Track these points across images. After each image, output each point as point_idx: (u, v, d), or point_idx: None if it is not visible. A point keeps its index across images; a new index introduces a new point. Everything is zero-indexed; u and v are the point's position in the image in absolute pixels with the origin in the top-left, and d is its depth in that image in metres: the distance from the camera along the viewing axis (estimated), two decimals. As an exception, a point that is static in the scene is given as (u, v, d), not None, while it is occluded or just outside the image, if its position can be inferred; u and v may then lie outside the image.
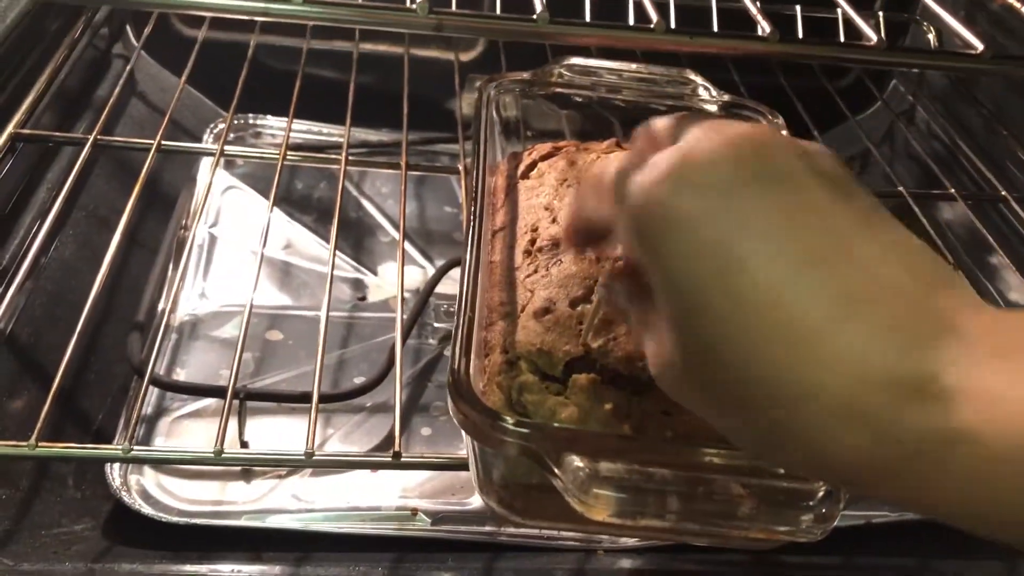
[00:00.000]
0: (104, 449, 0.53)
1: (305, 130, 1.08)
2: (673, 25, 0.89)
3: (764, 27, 0.39)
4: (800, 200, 0.31)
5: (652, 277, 0.32)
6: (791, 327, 0.29)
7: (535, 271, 0.53)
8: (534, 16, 0.38)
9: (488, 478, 0.46)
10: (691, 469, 0.40)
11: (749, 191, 0.31)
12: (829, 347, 0.29)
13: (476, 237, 0.53)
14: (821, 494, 0.40)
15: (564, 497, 0.41)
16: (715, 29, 0.93)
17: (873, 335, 0.28)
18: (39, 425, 0.52)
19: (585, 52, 0.67)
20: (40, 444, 0.52)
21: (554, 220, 0.56)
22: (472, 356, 0.46)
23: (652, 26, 0.38)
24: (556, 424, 0.44)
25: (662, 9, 0.92)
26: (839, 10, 1.03)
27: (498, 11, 0.93)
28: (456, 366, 0.44)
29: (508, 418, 0.41)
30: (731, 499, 0.40)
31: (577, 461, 0.39)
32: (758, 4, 0.41)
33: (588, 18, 0.90)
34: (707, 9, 0.96)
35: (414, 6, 0.37)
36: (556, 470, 0.40)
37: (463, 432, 0.43)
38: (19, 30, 0.71)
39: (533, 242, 0.55)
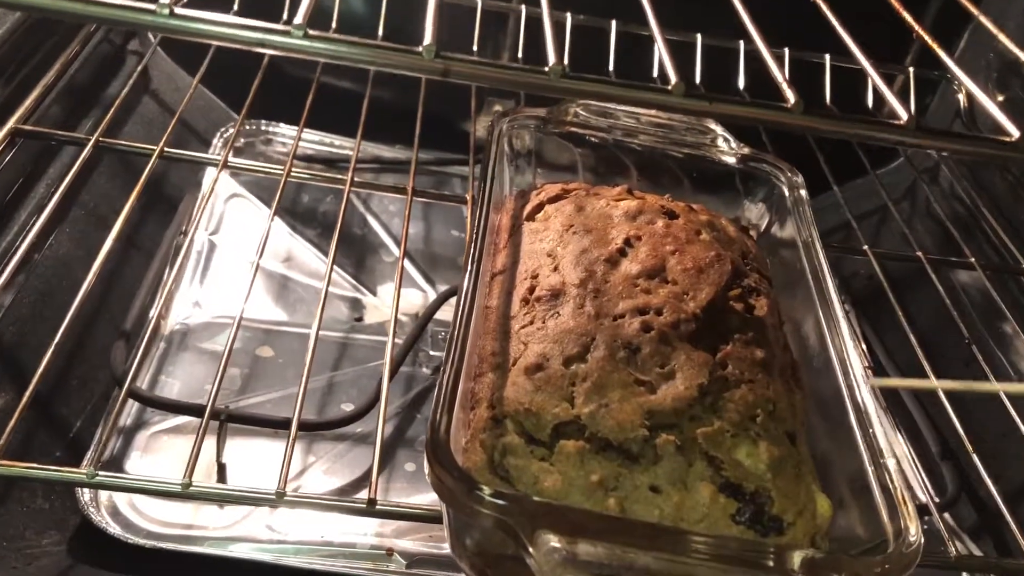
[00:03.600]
0: (68, 473, 0.51)
1: (316, 140, 1.06)
2: (699, 71, 0.87)
3: (789, 96, 0.37)
4: None
5: None
6: None
7: (531, 322, 0.51)
8: (546, 68, 0.36)
9: (461, 543, 0.44)
10: (677, 555, 0.38)
11: None
12: None
13: (473, 282, 0.51)
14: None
15: (538, 574, 0.38)
16: (741, 78, 0.91)
17: None
18: (2, 441, 0.50)
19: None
20: (2, 462, 0.50)
21: (556, 268, 0.54)
22: (456, 409, 0.43)
23: (670, 88, 0.36)
24: (536, 498, 0.41)
25: (686, 53, 0.91)
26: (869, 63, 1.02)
27: (521, 43, 0.91)
28: (436, 424, 0.42)
29: (485, 489, 0.39)
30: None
31: (554, 541, 0.37)
32: (785, 70, 0.39)
33: (612, 65, 0.89)
34: (734, 52, 0.94)
35: (420, 49, 0.35)
36: (530, 548, 0.37)
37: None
38: (28, 22, 0.70)
39: (532, 290, 0.53)
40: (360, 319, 0.88)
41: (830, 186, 0.95)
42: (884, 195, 0.95)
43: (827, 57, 0.97)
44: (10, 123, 0.73)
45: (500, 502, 0.38)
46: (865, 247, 0.86)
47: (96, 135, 0.76)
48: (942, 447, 0.81)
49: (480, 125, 1.04)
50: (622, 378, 0.46)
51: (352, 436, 0.75)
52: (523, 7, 0.96)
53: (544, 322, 0.50)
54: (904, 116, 0.39)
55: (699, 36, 0.94)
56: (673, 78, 0.37)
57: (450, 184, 1.07)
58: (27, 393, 0.54)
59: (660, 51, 0.39)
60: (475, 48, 0.98)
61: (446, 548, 0.66)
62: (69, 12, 0.33)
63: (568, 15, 0.95)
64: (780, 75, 0.39)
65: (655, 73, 0.92)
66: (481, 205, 0.57)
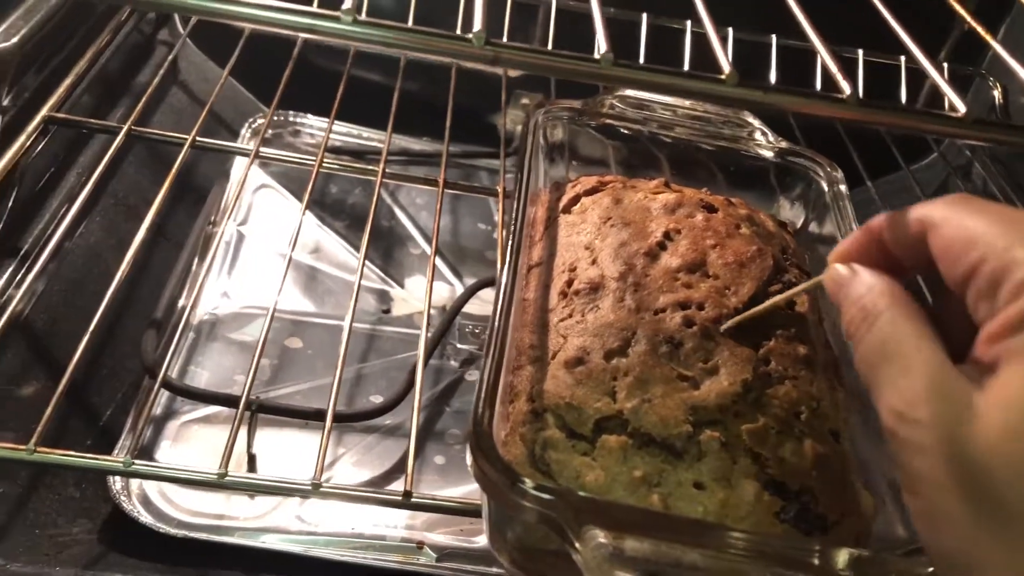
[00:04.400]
0: (104, 461, 0.51)
1: (344, 132, 1.06)
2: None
3: (844, 88, 0.36)
4: None
5: None
6: None
7: (569, 315, 0.50)
8: (597, 56, 0.35)
9: (502, 537, 0.44)
10: (726, 553, 0.37)
11: None
12: None
13: (512, 274, 0.50)
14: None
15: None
16: (773, 72, 0.90)
17: None
18: (40, 428, 0.50)
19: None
20: (39, 449, 0.49)
21: (594, 261, 0.53)
22: (497, 403, 0.43)
23: (724, 76, 0.35)
24: (581, 493, 0.41)
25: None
26: (902, 57, 1.01)
27: (551, 35, 0.91)
28: (479, 416, 0.41)
29: (529, 482, 0.38)
30: (764, 593, 0.37)
31: (600, 536, 0.36)
32: (818, 65, 0.38)
33: (642, 58, 0.88)
34: (765, 46, 0.93)
35: (470, 35, 0.35)
36: (576, 543, 0.37)
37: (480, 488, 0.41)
38: (63, 12, 0.69)
39: (570, 283, 0.52)
40: (388, 311, 0.88)
41: (863, 181, 0.94)
42: (918, 191, 0.94)
43: (860, 52, 0.96)
44: (43, 111, 0.73)
45: (546, 496, 0.38)
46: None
47: (128, 123, 0.76)
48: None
49: (509, 119, 1.03)
50: (665, 373, 0.46)
51: (381, 428, 0.74)
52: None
53: (583, 315, 0.50)
54: (962, 108, 0.38)
55: (730, 30, 0.93)
56: (726, 68, 0.36)
57: (477, 177, 1.07)
58: (63, 382, 0.54)
59: (714, 44, 0.38)
60: (504, 39, 0.98)
61: (477, 542, 0.67)
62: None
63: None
64: (835, 66, 0.38)
65: (685, 67, 0.91)
66: (518, 197, 0.56)
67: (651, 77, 0.36)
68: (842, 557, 0.39)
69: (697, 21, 0.51)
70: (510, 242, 0.53)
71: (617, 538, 0.37)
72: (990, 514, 0.28)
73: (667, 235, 0.54)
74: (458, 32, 0.36)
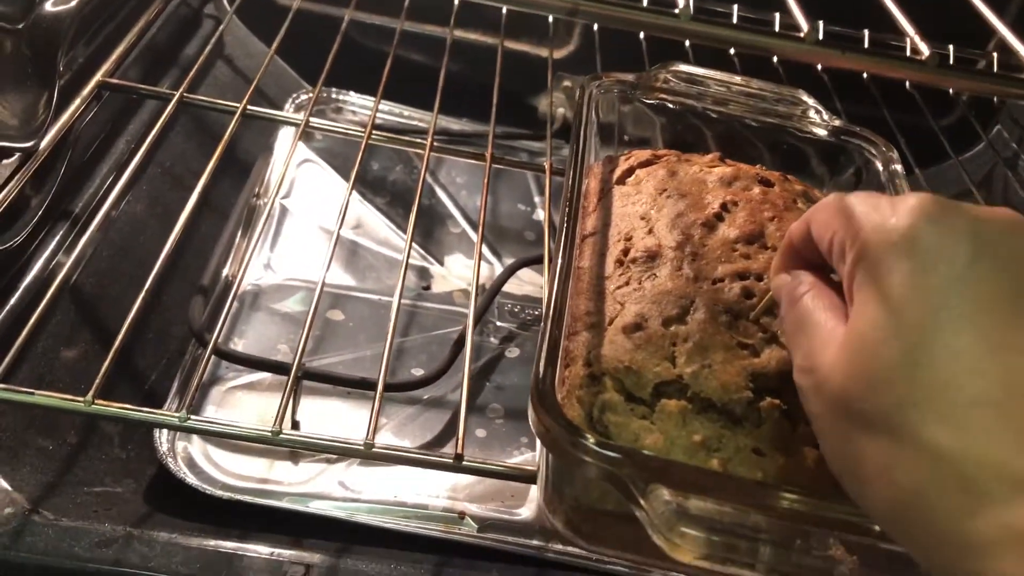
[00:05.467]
0: (160, 415, 0.51)
1: (387, 111, 1.06)
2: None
3: (923, 49, 0.36)
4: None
5: (864, 294, 0.35)
6: (958, 396, 0.31)
7: (626, 283, 0.50)
8: (676, 11, 0.35)
9: (558, 496, 0.44)
10: (791, 517, 0.37)
11: (987, 263, 0.33)
12: (983, 426, 0.31)
13: (569, 241, 0.50)
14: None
15: (641, 529, 0.38)
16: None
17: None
18: (97, 382, 0.51)
19: (685, 58, 0.64)
20: (96, 401, 0.50)
21: (650, 231, 0.53)
22: (558, 364, 0.43)
23: (802, 35, 0.35)
24: (646, 452, 0.40)
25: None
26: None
27: None
28: (540, 375, 0.41)
29: (592, 439, 0.38)
30: (829, 556, 0.37)
31: (666, 495, 0.36)
32: (913, 23, 0.38)
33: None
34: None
35: (550, -14, 0.35)
36: (641, 501, 0.37)
37: (540, 444, 0.41)
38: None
39: (626, 252, 0.52)
40: (428, 287, 0.88)
41: (912, 169, 0.93)
42: (967, 180, 0.93)
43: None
44: (98, 75, 0.74)
45: (612, 454, 0.37)
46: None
47: (181, 90, 0.76)
48: None
49: (554, 100, 1.03)
50: (724, 340, 0.46)
51: (422, 401, 0.75)
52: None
53: (640, 283, 0.50)
54: (1041, 72, 0.37)
55: None
56: (805, 26, 0.36)
57: (517, 157, 1.06)
58: (118, 339, 0.54)
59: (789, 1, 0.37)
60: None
61: (519, 514, 0.67)
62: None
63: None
64: (911, 28, 0.38)
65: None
66: (573, 166, 0.56)
67: (730, 33, 0.36)
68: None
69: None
70: (566, 210, 0.53)
71: (684, 496, 0.36)
72: (855, 425, 0.34)
73: (724, 207, 0.54)
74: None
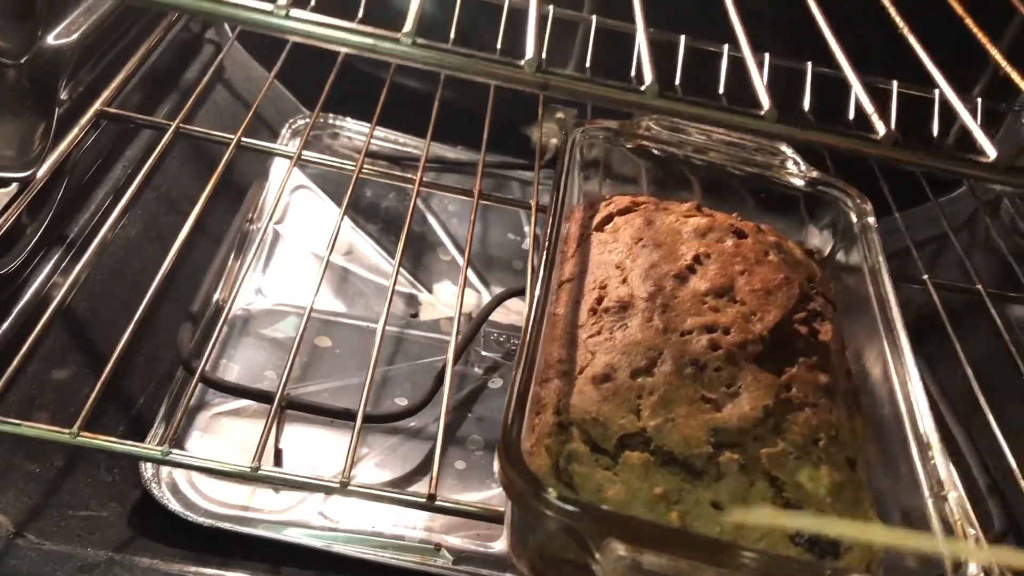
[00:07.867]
0: (143, 449, 0.53)
1: (382, 137, 1.08)
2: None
3: (879, 128, 0.37)
4: None
5: None
6: None
7: (598, 332, 0.52)
8: (642, 87, 0.36)
9: (522, 543, 0.45)
10: (740, 572, 0.38)
11: None
12: None
13: (545, 287, 0.52)
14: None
15: (600, 580, 0.39)
16: (808, 96, 0.91)
17: None
18: (84, 413, 0.52)
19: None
20: (82, 433, 0.51)
21: (624, 280, 0.55)
22: (526, 414, 0.44)
23: (763, 113, 0.36)
24: (604, 506, 0.42)
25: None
26: (936, 90, 1.01)
27: (589, 53, 0.92)
28: (508, 426, 0.43)
29: (553, 493, 0.39)
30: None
31: (621, 550, 0.38)
32: (873, 98, 0.40)
33: (679, 76, 0.90)
34: (801, 73, 0.94)
35: (522, 63, 0.36)
36: (596, 554, 0.38)
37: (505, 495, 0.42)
38: (119, 10, 0.72)
39: (600, 300, 0.54)
40: (415, 315, 0.90)
41: (891, 212, 0.95)
42: (945, 224, 0.95)
43: (895, 84, 0.97)
44: (96, 105, 0.75)
45: (570, 508, 0.39)
46: (924, 276, 0.86)
47: (177, 121, 0.78)
48: (990, 481, 0.80)
49: (543, 131, 1.05)
50: (688, 394, 0.47)
51: (405, 430, 0.76)
52: (594, 17, 0.97)
53: (612, 333, 0.51)
54: (992, 154, 0.39)
55: (767, 56, 0.94)
56: (766, 103, 0.38)
57: (509, 187, 1.08)
58: (106, 370, 0.56)
59: (754, 78, 0.39)
60: (543, 56, 0.99)
61: (493, 547, 0.68)
62: (204, 11, 0.35)
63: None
64: (871, 106, 0.39)
65: (720, 89, 0.92)
66: (554, 214, 0.58)
67: (693, 110, 0.37)
68: (853, 583, 0.40)
69: (735, 46, 0.52)
70: (544, 257, 0.54)
71: (636, 552, 0.38)
72: None
73: (697, 259, 0.56)
74: (499, 47, 0.37)
